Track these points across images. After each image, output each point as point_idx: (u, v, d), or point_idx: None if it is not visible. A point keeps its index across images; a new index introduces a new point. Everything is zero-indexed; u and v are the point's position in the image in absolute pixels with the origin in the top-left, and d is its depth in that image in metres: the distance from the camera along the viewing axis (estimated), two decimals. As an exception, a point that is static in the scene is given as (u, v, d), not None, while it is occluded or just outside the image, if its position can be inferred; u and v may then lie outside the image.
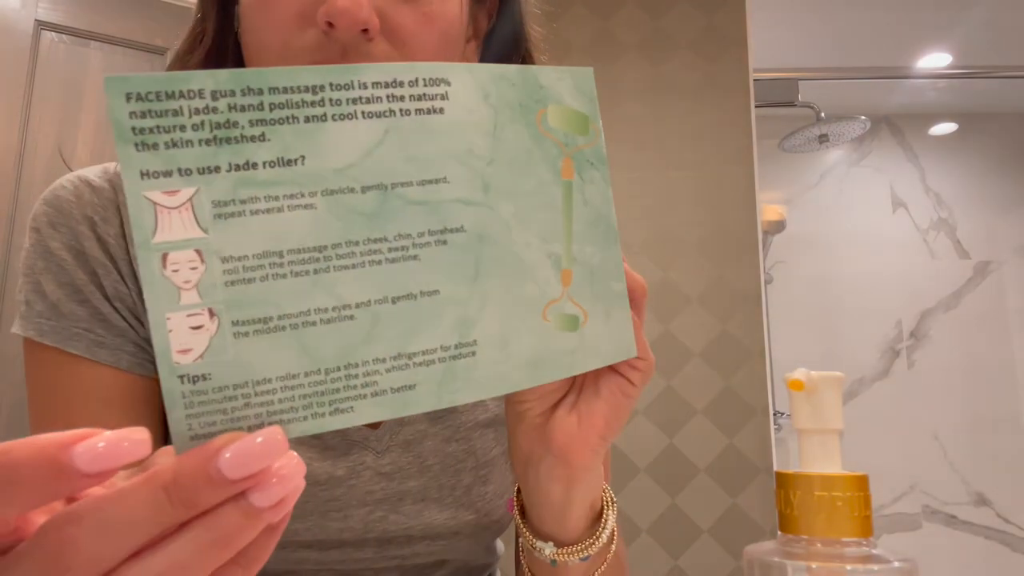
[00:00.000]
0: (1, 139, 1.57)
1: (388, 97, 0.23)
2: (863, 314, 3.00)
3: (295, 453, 0.24)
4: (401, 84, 0.23)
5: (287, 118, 0.22)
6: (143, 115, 0.21)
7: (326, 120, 0.23)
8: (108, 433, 0.21)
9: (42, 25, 1.64)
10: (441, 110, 0.24)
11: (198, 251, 0.22)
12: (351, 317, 0.23)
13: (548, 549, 0.43)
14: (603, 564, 0.45)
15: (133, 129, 0.21)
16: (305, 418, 0.23)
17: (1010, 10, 2.43)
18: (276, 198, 0.22)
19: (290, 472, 0.24)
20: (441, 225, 0.24)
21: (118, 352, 0.51)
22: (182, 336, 0.22)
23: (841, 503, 0.37)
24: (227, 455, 0.22)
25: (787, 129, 2.59)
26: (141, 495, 0.22)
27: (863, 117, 2.49)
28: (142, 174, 0.21)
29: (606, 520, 0.44)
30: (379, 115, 0.23)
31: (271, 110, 0.22)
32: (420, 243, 0.24)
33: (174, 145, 0.21)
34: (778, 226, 2.80)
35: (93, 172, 0.54)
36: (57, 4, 1.65)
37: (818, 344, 2.95)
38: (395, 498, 0.54)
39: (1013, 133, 3.13)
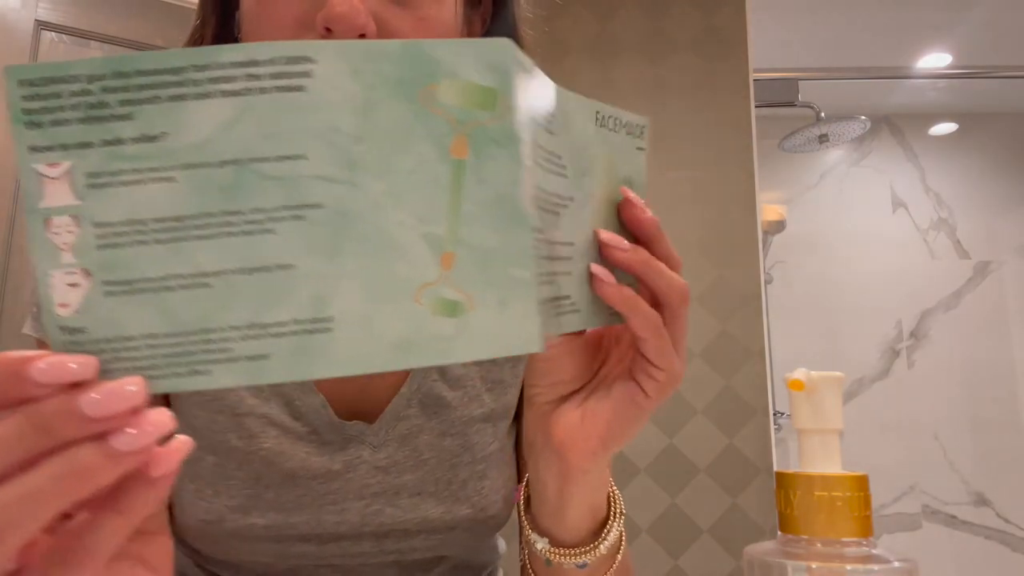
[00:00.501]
0: (1, 139, 1.57)
1: (245, 76, 0.24)
2: (863, 314, 3.00)
3: (167, 410, 0.26)
4: (258, 63, 0.24)
5: (151, 98, 0.24)
6: (31, 98, 0.24)
7: (186, 99, 0.24)
8: (65, 355, 0.24)
9: (42, 25, 1.64)
10: (301, 87, 0.25)
11: (74, 217, 0.25)
12: (207, 285, 0.25)
13: (541, 544, 0.43)
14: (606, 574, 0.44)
15: (23, 110, 0.24)
16: (166, 376, 0.25)
17: (1010, 10, 2.43)
18: (140, 171, 0.25)
19: (154, 424, 0.25)
20: (298, 201, 0.25)
21: None
22: (61, 292, 0.25)
23: (841, 503, 0.37)
24: (93, 395, 0.24)
25: (787, 129, 2.58)
26: (7, 418, 0.24)
27: (863, 117, 2.49)
28: (30, 149, 0.25)
29: (609, 530, 0.43)
30: (236, 93, 0.25)
31: (138, 91, 0.24)
32: (275, 217, 0.25)
33: (55, 124, 0.24)
34: (778, 226, 2.80)
35: None
36: (57, 4, 1.65)
37: (818, 344, 2.96)
38: (391, 492, 0.54)
39: (1013, 133, 3.13)
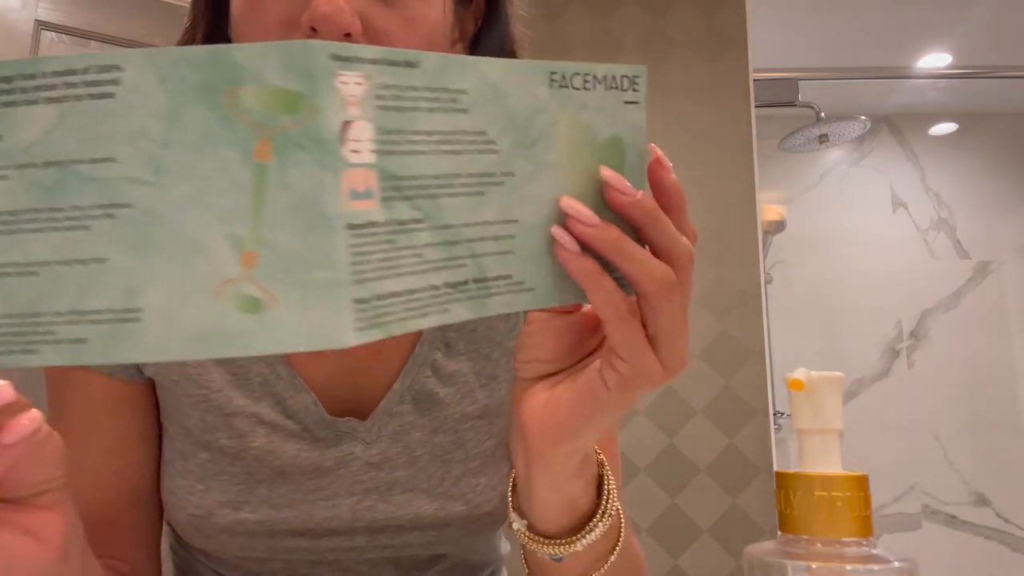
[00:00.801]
0: (1, 139, 1.57)
1: (64, 84, 0.26)
2: (863, 314, 3.00)
3: (4, 382, 0.29)
4: (74, 72, 0.26)
5: None
6: None
7: (16, 106, 0.27)
8: None
9: (42, 25, 1.64)
10: (112, 95, 0.26)
11: None
12: (35, 273, 0.27)
13: (518, 524, 0.42)
14: (594, 574, 0.43)
15: None
16: (4, 353, 0.28)
17: (1010, 10, 2.43)
18: None
19: None
20: (109, 200, 0.27)
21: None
22: None
23: (841, 503, 0.37)
24: None
25: (787, 129, 2.59)
26: None
27: (863, 117, 2.49)
28: None
29: (591, 528, 0.40)
30: (56, 100, 0.26)
31: None
32: (90, 215, 0.27)
33: None
34: (778, 226, 2.80)
35: None
36: (57, 4, 1.65)
37: (818, 344, 2.96)
38: (384, 488, 0.54)
39: (1013, 133, 3.13)
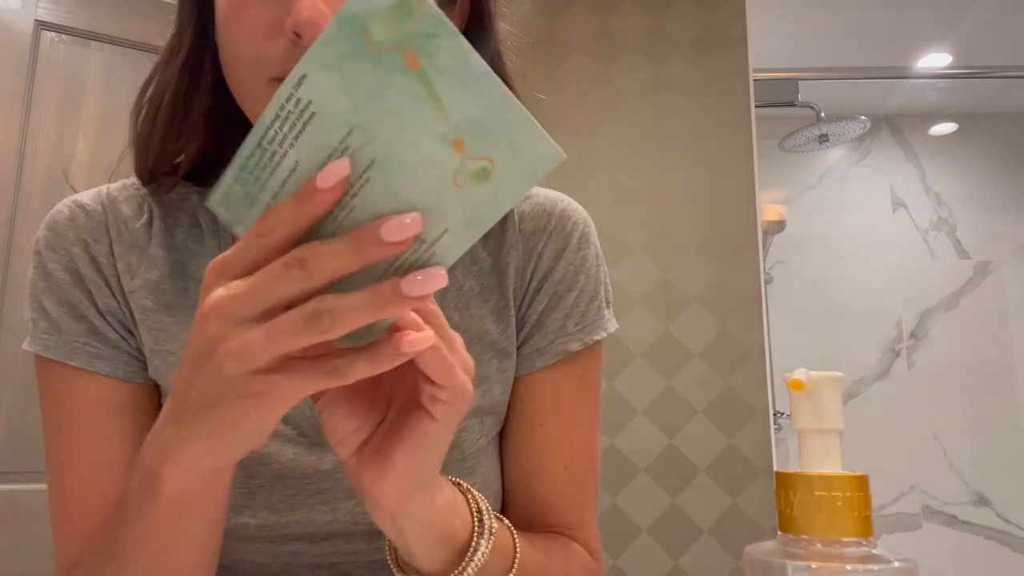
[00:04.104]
0: (1, 139, 1.57)
1: (288, 124, 0.31)
2: (863, 314, 3.00)
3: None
4: (287, 115, 0.31)
5: None
6: None
7: (268, 168, 0.32)
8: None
9: (42, 25, 1.64)
10: (314, 113, 0.30)
11: None
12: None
13: None
14: None
15: None
16: None
17: (1010, 10, 2.43)
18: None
19: (428, 276, 0.31)
20: (355, 172, 0.31)
21: (114, 363, 0.55)
22: None
23: (841, 503, 0.37)
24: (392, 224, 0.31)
25: (787, 129, 2.59)
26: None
27: (863, 117, 2.49)
28: None
29: (475, 549, 0.42)
30: (294, 143, 0.31)
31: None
32: (358, 186, 0.32)
33: None
34: (778, 226, 2.80)
35: (88, 196, 0.59)
36: (57, 4, 1.65)
37: (818, 344, 2.96)
38: None
39: (1013, 133, 3.13)
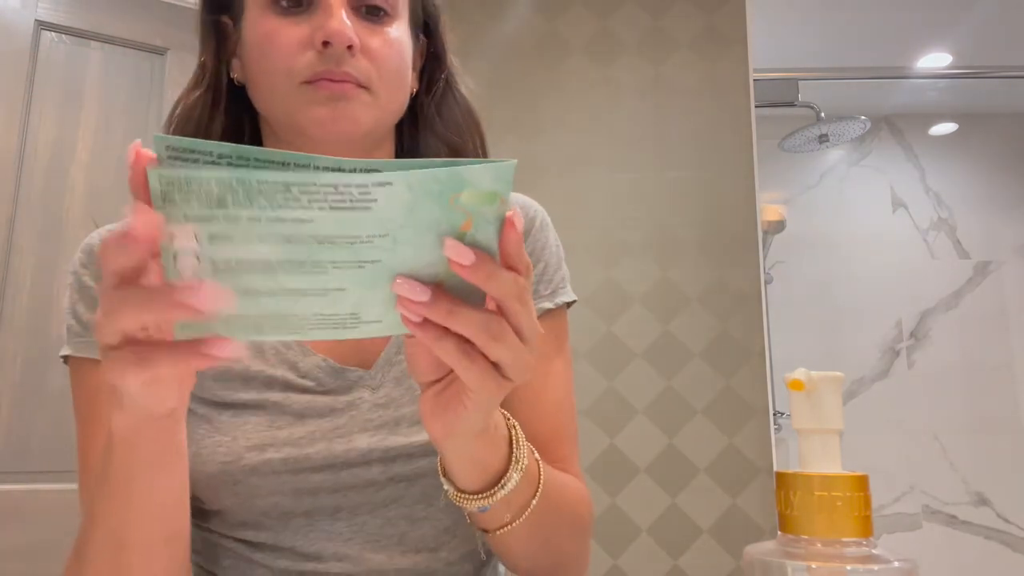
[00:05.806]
0: (1, 139, 1.57)
1: (335, 192, 0.34)
2: (863, 314, 3.00)
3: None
4: (348, 186, 0.33)
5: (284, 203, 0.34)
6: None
7: (294, 208, 0.34)
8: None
9: (42, 25, 1.64)
10: (375, 200, 0.34)
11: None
12: (285, 296, 0.37)
13: (445, 484, 0.51)
14: (520, 517, 0.53)
15: None
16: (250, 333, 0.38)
17: (1010, 10, 2.43)
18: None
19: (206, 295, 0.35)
20: (358, 258, 0.36)
21: None
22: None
23: (841, 503, 0.37)
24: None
25: (787, 129, 2.59)
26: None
27: (863, 117, 2.49)
28: None
29: (506, 480, 0.50)
30: (332, 207, 0.34)
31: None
32: (342, 266, 0.36)
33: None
34: (778, 226, 2.80)
35: (117, 224, 0.65)
36: (57, 4, 1.65)
37: (818, 344, 2.96)
38: (392, 423, 0.63)
39: (1013, 133, 3.13)
